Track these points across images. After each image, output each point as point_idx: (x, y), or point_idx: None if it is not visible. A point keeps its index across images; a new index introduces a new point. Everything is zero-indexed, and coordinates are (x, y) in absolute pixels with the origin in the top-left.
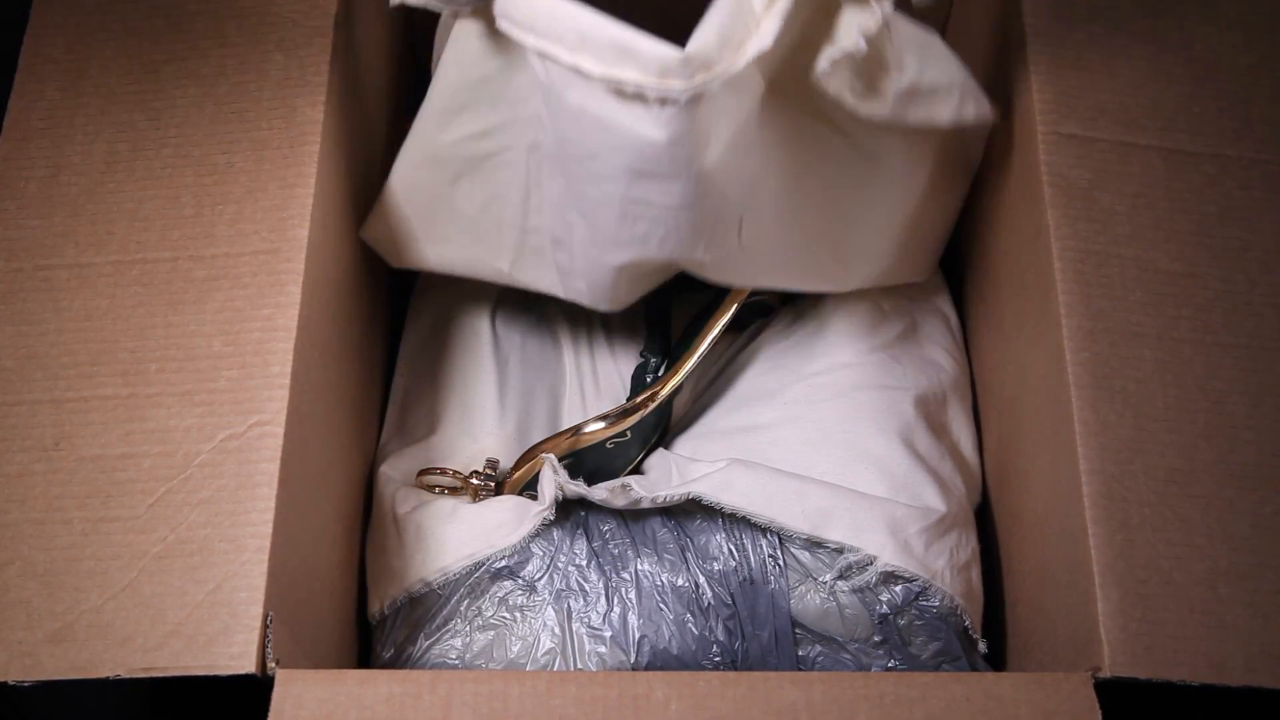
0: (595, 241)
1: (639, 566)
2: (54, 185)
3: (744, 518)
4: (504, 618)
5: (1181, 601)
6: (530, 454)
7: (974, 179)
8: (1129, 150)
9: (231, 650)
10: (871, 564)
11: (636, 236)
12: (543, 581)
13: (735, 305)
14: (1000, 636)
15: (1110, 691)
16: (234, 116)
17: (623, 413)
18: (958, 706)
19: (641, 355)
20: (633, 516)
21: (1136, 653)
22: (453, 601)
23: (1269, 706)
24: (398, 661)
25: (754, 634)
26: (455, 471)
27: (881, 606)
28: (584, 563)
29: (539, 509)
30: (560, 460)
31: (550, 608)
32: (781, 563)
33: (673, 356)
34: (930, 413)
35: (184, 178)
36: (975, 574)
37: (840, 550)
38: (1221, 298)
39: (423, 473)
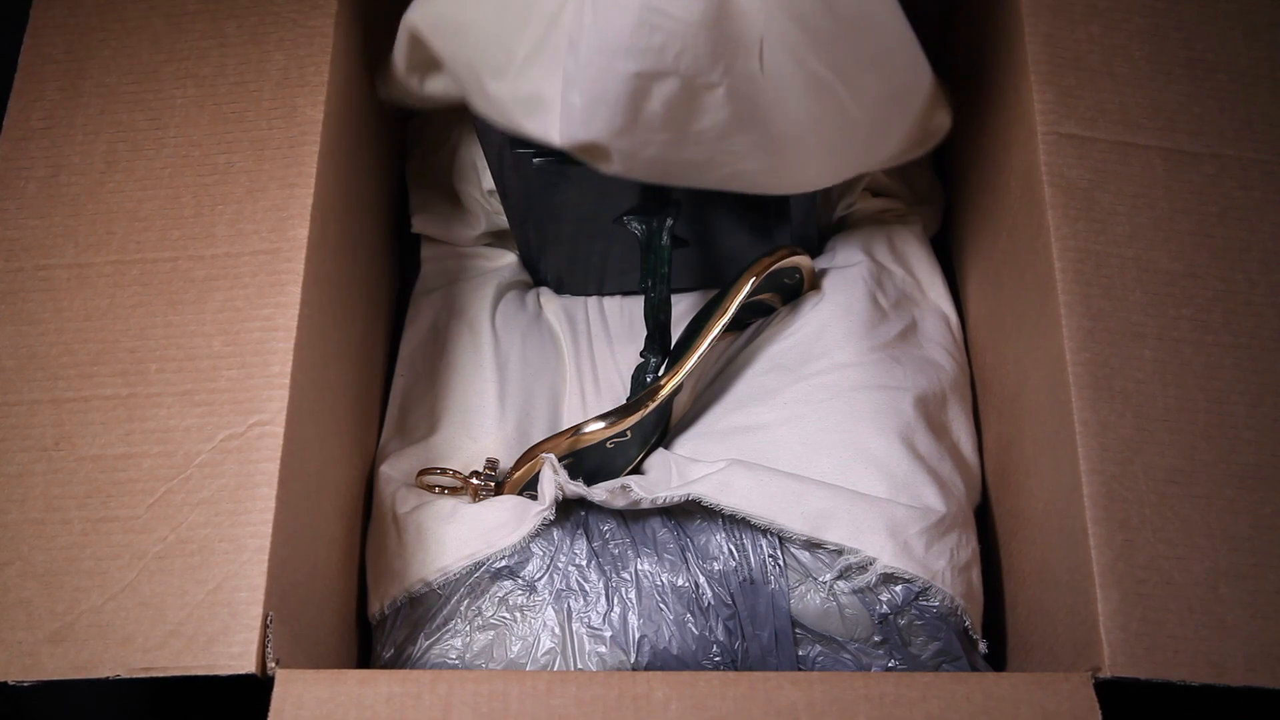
0: (604, 48)
1: (639, 566)
2: (54, 185)
3: (744, 517)
4: (504, 618)
5: (1182, 602)
6: (530, 454)
7: (974, 178)
8: (1129, 150)
9: (231, 650)
10: (871, 565)
11: (652, 47)
12: (543, 581)
13: (735, 304)
14: (1000, 636)
15: (1110, 691)
16: (234, 117)
17: (623, 412)
18: (958, 706)
19: (642, 355)
20: (633, 516)
21: (1137, 653)
22: (453, 601)
23: (1269, 707)
24: (398, 661)
25: (754, 634)
26: (455, 471)
27: (881, 606)
28: (584, 563)
29: (539, 509)
30: (560, 460)
31: (550, 608)
32: (781, 563)
33: (673, 356)
34: (930, 413)
35: (184, 178)
36: (975, 574)
37: (840, 551)
38: (1222, 298)
39: (423, 473)
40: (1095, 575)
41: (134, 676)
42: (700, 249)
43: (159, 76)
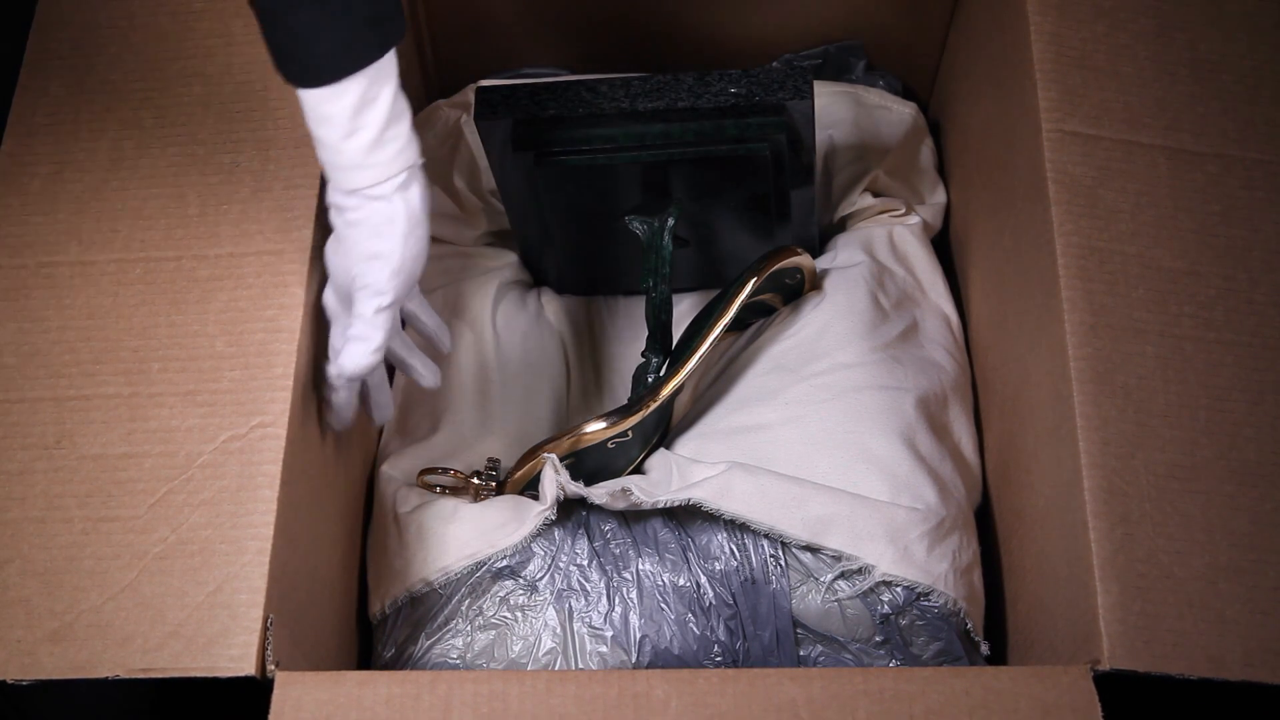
0: None
1: (640, 566)
2: (58, 182)
3: (744, 523)
4: (505, 617)
5: (1181, 596)
6: (532, 454)
7: (978, 176)
8: (1133, 149)
9: (231, 652)
10: (871, 571)
11: None
12: (544, 581)
13: (737, 305)
14: (1001, 633)
15: (1109, 684)
16: (239, 116)
17: (624, 413)
18: (957, 700)
19: (643, 355)
20: (634, 516)
21: (1136, 646)
22: (454, 601)
23: (1267, 701)
24: (399, 661)
25: (755, 634)
26: (456, 471)
27: (883, 607)
28: (585, 562)
29: (540, 509)
30: (561, 460)
31: (552, 607)
32: (783, 563)
33: (674, 356)
34: (931, 414)
35: (189, 177)
36: (977, 576)
37: (840, 556)
38: (1224, 296)
39: (424, 472)
40: (1095, 569)
41: (133, 677)
42: (701, 249)
43: (165, 74)
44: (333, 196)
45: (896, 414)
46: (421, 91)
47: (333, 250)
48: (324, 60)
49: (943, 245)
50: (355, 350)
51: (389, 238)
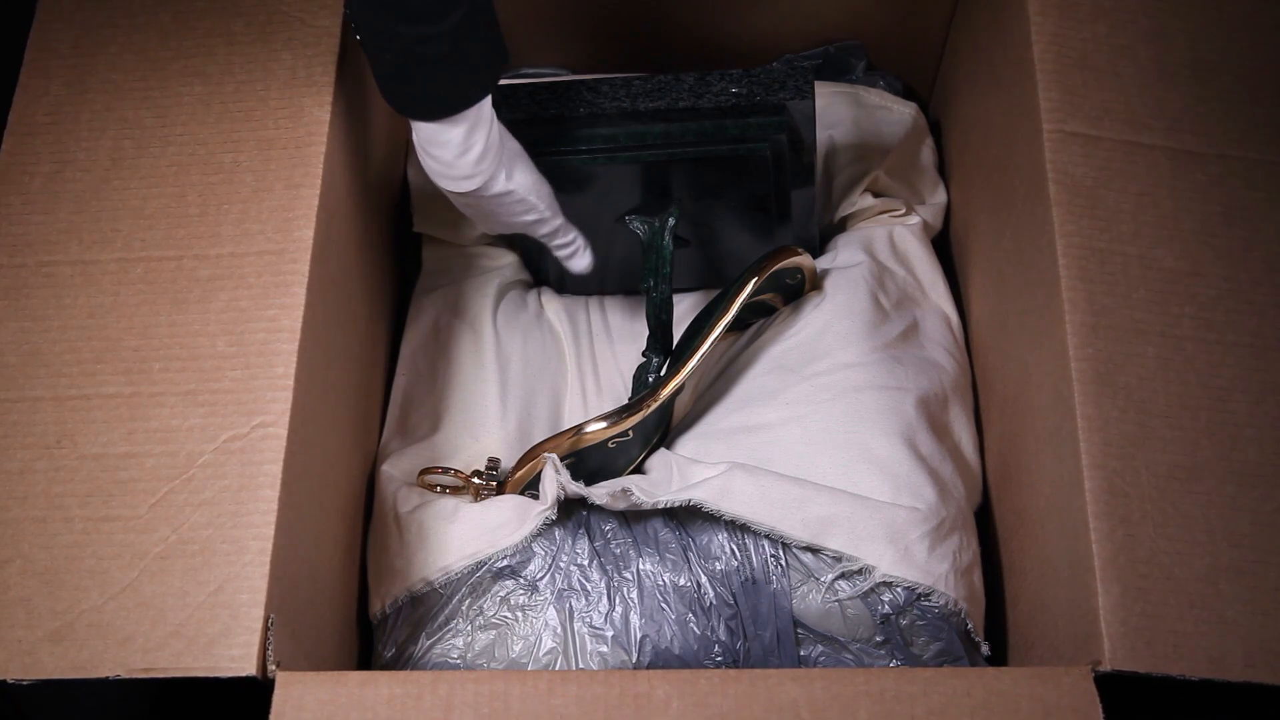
0: None
1: (641, 566)
2: (59, 181)
3: (744, 524)
4: (506, 617)
5: (1182, 597)
6: (532, 453)
7: (979, 177)
8: (1134, 149)
9: (232, 653)
10: (871, 573)
11: None
12: (544, 581)
13: (737, 305)
14: (1002, 634)
15: (1110, 685)
16: (240, 115)
17: (624, 412)
18: (958, 701)
19: (644, 355)
20: (635, 516)
21: (1137, 647)
22: (454, 601)
23: (1267, 702)
24: (399, 661)
25: (756, 634)
26: (457, 471)
27: (883, 607)
28: (586, 562)
29: (541, 508)
30: (562, 460)
31: (552, 607)
32: (783, 563)
33: (675, 356)
34: (932, 414)
35: (189, 176)
36: (977, 577)
37: (840, 557)
38: (1225, 296)
39: (424, 472)
40: (1096, 569)
41: (133, 677)
42: (702, 249)
43: (166, 73)
44: (450, 194)
45: (897, 414)
46: None
47: (478, 208)
48: (442, 101)
49: (943, 245)
50: (574, 260)
51: (531, 211)
